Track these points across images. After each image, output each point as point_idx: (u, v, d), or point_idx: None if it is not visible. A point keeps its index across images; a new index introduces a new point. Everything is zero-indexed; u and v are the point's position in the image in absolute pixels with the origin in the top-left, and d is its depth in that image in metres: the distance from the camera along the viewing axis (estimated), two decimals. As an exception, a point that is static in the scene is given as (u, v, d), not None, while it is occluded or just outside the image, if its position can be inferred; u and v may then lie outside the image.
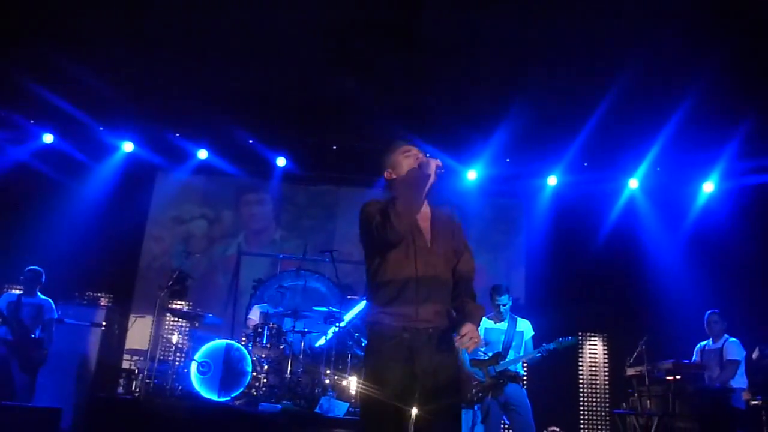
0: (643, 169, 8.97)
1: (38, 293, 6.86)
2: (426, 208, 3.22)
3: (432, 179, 3.10)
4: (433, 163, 3.10)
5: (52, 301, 6.96)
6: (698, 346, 6.81)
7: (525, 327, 5.80)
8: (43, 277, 6.89)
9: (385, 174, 3.30)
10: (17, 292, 6.89)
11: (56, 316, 6.99)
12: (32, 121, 9.08)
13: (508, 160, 9.16)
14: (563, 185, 9.35)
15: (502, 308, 5.72)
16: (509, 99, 7.60)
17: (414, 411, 2.92)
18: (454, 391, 3.03)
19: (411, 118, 8.42)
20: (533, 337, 5.77)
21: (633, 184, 9.22)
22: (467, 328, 2.95)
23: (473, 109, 8.03)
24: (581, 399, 8.84)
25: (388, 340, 3.00)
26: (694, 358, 6.79)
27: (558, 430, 7.97)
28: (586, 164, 9.07)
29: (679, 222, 8.94)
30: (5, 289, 8.08)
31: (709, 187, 8.99)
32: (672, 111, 7.53)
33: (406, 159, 3.24)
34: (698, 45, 6.62)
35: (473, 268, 3.26)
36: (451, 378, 3.02)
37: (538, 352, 5.56)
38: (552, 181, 9.38)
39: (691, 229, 8.84)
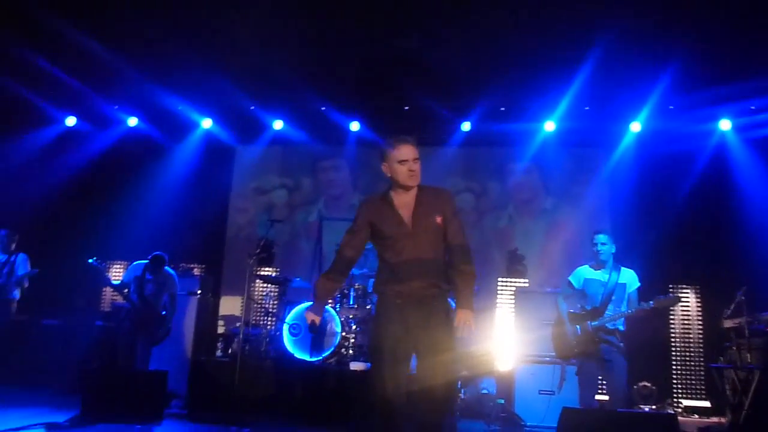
0: (735, 109, 8.45)
1: (164, 268, 7.06)
2: (410, 197, 3.68)
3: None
4: (309, 319, 3.80)
5: (175, 273, 7.21)
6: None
7: (628, 278, 5.34)
8: (167, 258, 7.07)
9: (383, 167, 3.75)
10: (142, 262, 7.05)
11: (178, 291, 7.22)
12: (117, 107, 9.55)
13: (587, 108, 8.86)
14: (648, 131, 8.93)
15: (600, 248, 5.33)
16: (587, 44, 7.28)
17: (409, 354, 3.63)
18: (441, 341, 3.58)
19: (483, 74, 8.27)
20: (638, 289, 5.33)
21: (725, 125, 8.72)
22: (459, 316, 3.57)
23: (548, 58, 7.74)
24: (673, 354, 8.55)
25: (386, 306, 3.65)
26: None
27: (649, 385, 7.80)
28: (671, 107, 8.63)
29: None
30: (108, 265, 8.56)
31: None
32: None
33: (401, 167, 3.63)
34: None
35: (461, 233, 3.71)
36: (437, 330, 3.57)
37: (636, 310, 5.14)
38: (635, 127, 9.00)
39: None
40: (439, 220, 3.63)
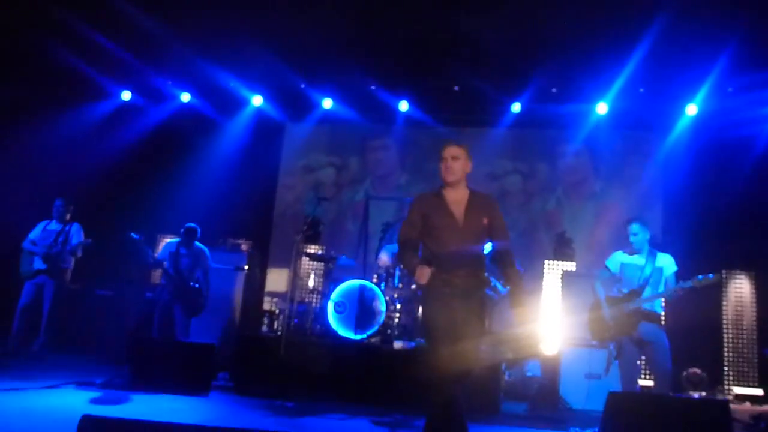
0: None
1: (195, 243, 7.35)
2: (463, 195, 4.10)
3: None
4: (418, 276, 3.91)
5: (207, 249, 7.44)
6: None
7: (666, 262, 5.42)
8: (199, 232, 7.36)
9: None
10: (174, 240, 7.39)
11: (211, 265, 7.50)
12: (170, 82, 9.73)
13: (641, 90, 8.63)
14: (704, 114, 8.67)
15: (632, 238, 5.45)
16: (642, 23, 7.07)
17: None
18: (477, 326, 4.01)
19: (534, 54, 8.12)
20: (675, 273, 5.40)
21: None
22: (518, 312, 4.00)
23: (602, 37, 7.54)
24: (725, 340, 8.34)
25: (435, 294, 3.96)
26: None
27: (699, 371, 7.64)
28: (730, 89, 8.34)
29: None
30: (159, 238, 8.84)
31: None
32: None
33: (441, 164, 4.11)
34: None
35: (504, 230, 4.13)
36: (475, 317, 3.99)
37: (674, 291, 5.21)
38: (691, 110, 8.73)
39: None
40: (485, 221, 4.05)
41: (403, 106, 9.58)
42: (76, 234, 7.62)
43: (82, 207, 8.00)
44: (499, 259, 4.16)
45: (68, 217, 7.70)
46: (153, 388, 5.74)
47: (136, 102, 10.02)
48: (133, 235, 6.85)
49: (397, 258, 7.67)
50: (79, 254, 7.67)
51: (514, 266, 4.11)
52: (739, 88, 8.28)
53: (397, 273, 7.41)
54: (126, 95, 9.96)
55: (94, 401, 5.37)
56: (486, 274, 4.16)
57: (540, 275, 8.58)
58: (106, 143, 9.49)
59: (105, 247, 7.95)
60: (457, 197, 4.10)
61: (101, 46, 8.31)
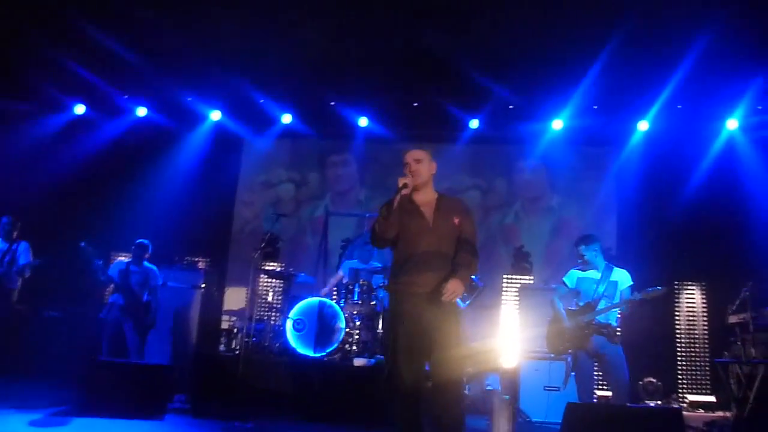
0: (742, 108, 8.42)
1: (144, 262, 7.25)
2: (432, 197, 4.07)
3: (400, 193, 3.84)
4: (400, 183, 3.86)
5: (156, 268, 7.34)
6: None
7: (620, 277, 5.52)
8: (150, 248, 7.26)
9: None
10: (125, 260, 7.28)
11: (161, 282, 7.40)
12: (126, 96, 9.55)
13: (595, 107, 8.84)
14: (655, 130, 8.93)
15: (583, 257, 5.56)
16: (596, 43, 7.26)
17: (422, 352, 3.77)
18: (452, 338, 3.81)
19: (493, 71, 8.24)
20: (631, 287, 5.48)
21: (732, 124, 8.68)
22: (450, 283, 3.74)
23: (558, 56, 7.72)
24: (678, 349, 8.56)
25: (400, 302, 3.87)
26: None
27: (655, 381, 7.80)
28: (679, 107, 8.61)
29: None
30: (113, 257, 8.62)
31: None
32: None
33: (405, 169, 4.02)
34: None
35: (472, 231, 4.05)
36: (448, 327, 3.81)
37: (625, 303, 5.30)
38: (643, 126, 8.97)
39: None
40: (456, 221, 3.98)
41: (363, 121, 9.60)
42: (24, 254, 7.32)
43: (32, 225, 7.73)
44: (457, 249, 3.97)
45: (15, 235, 7.35)
46: (105, 412, 5.51)
47: (90, 116, 9.78)
48: (84, 245, 6.69)
49: (355, 274, 7.67)
50: (27, 275, 7.35)
51: (470, 252, 3.95)
52: (688, 105, 8.55)
53: (357, 289, 7.38)
54: (80, 109, 9.72)
55: (37, 425, 5.16)
56: None
57: (498, 289, 8.66)
58: (58, 158, 9.19)
59: (54, 267, 7.69)
60: (425, 199, 4.06)
61: (54, 58, 8.13)
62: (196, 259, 9.02)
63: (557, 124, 9.15)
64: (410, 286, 3.85)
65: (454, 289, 3.72)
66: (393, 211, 3.84)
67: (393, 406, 3.80)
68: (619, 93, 8.51)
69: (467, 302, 6.79)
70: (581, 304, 5.52)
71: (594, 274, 5.57)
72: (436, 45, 7.69)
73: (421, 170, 4.02)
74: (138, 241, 7.24)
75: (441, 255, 3.91)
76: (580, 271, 5.67)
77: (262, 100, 9.38)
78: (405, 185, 3.86)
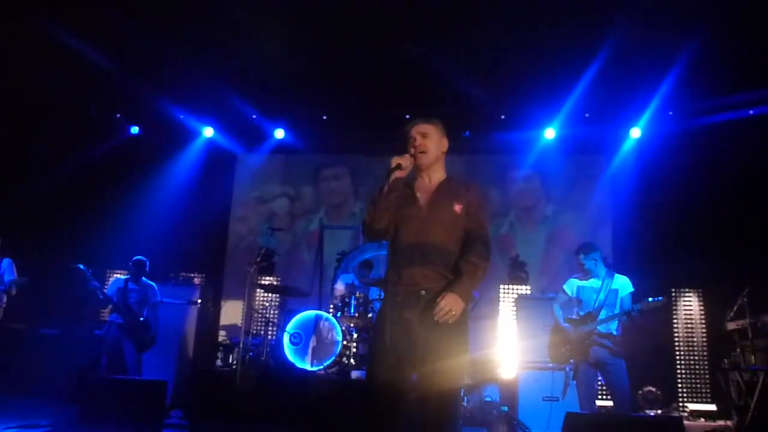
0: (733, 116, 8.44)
1: (143, 278, 7.21)
2: (436, 180, 3.40)
3: (392, 176, 3.25)
4: (393, 163, 3.28)
5: (155, 285, 7.31)
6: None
7: (621, 284, 5.47)
8: (147, 265, 7.24)
9: None
10: (123, 276, 7.24)
11: (160, 298, 7.35)
12: (118, 115, 9.54)
13: (587, 115, 8.87)
14: (648, 137, 8.95)
15: (584, 266, 5.54)
16: (586, 51, 7.31)
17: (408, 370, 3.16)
18: (447, 344, 3.13)
19: (483, 81, 8.27)
20: (632, 293, 5.44)
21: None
22: (445, 300, 3.08)
23: (548, 65, 7.75)
24: (678, 357, 8.51)
25: (387, 304, 3.25)
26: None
27: (654, 390, 7.76)
28: (671, 113, 8.65)
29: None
30: (108, 274, 8.57)
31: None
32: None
33: (408, 144, 3.42)
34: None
35: (481, 223, 3.34)
36: (439, 335, 3.11)
37: (624, 314, 5.23)
38: (635, 133, 9.00)
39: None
40: (458, 208, 3.29)
41: (356, 135, 9.61)
42: (8, 270, 7.12)
43: (26, 242, 7.68)
44: (463, 251, 3.27)
45: None
46: (102, 429, 5.52)
47: (84, 134, 9.72)
48: (80, 267, 6.66)
49: (351, 286, 7.63)
50: (14, 292, 7.13)
51: (475, 257, 3.21)
52: (681, 111, 8.58)
53: (353, 302, 7.35)
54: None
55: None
56: None
57: (495, 300, 8.63)
58: (50, 175, 9.14)
59: (51, 284, 7.65)
60: (427, 182, 3.41)
61: (44, 74, 8.11)
62: (192, 275, 8.97)
63: (549, 133, 9.18)
64: (395, 284, 3.23)
65: (450, 307, 3.05)
66: (384, 196, 3.22)
67: (366, 423, 3.21)
68: (611, 101, 8.53)
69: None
70: (582, 313, 5.48)
71: (594, 282, 5.53)
72: (425, 57, 7.72)
73: (429, 146, 3.37)
74: (135, 258, 7.23)
75: (434, 247, 3.23)
76: (579, 280, 5.63)
77: (254, 116, 9.39)
78: (399, 166, 3.24)
